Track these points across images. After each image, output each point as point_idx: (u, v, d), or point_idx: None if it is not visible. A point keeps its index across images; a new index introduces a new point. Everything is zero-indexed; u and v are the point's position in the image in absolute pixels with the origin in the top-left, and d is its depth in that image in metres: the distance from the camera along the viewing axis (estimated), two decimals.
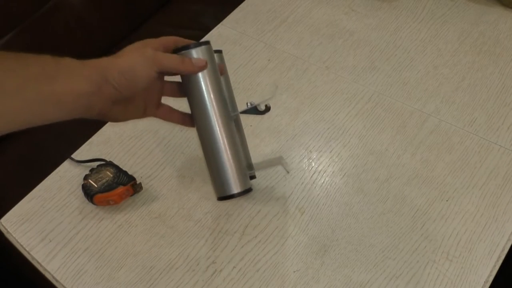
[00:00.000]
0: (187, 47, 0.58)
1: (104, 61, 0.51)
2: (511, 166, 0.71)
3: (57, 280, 0.67)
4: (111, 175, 0.72)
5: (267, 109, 0.64)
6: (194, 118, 0.61)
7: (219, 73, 0.60)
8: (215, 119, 0.59)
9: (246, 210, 0.71)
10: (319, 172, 0.74)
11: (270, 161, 0.72)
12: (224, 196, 0.62)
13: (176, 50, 0.58)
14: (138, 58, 0.53)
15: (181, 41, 0.60)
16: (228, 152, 0.60)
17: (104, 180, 0.71)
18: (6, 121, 0.45)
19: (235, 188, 0.61)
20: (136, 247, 0.68)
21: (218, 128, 0.59)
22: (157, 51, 0.55)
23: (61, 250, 0.69)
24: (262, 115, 0.65)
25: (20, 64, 0.45)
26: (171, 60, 0.56)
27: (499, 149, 0.73)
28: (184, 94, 0.61)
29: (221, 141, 0.60)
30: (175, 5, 1.35)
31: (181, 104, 0.63)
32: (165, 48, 0.57)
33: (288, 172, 0.72)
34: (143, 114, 0.60)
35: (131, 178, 0.72)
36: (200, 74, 0.58)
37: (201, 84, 0.58)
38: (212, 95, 0.59)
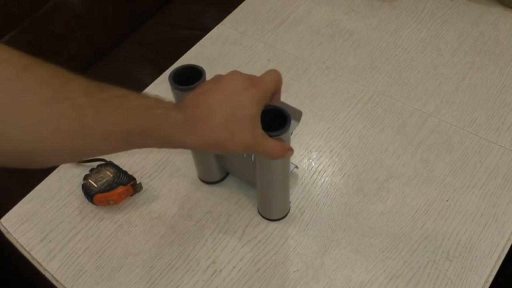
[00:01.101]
0: (281, 127, 0.53)
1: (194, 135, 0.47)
2: (511, 166, 0.71)
3: (57, 280, 0.67)
4: (111, 175, 0.72)
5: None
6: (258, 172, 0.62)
7: None
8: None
9: (246, 210, 0.71)
10: (319, 172, 0.74)
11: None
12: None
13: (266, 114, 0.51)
14: (236, 145, 0.49)
15: (278, 92, 0.55)
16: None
17: (104, 180, 0.71)
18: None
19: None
20: (136, 247, 0.68)
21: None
22: (261, 138, 0.50)
23: (61, 250, 0.69)
24: None
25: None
26: (271, 151, 0.52)
27: (499, 149, 0.73)
28: None
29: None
30: (175, 5, 1.35)
31: None
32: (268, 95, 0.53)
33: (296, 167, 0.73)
34: None
35: (131, 178, 0.72)
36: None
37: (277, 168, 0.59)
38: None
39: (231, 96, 0.50)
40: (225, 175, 0.73)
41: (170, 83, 0.59)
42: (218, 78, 0.52)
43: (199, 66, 0.59)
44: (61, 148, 0.41)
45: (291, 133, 0.56)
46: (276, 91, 0.54)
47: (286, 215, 0.70)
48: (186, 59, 0.91)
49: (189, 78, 0.58)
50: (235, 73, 0.52)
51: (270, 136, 0.52)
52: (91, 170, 0.74)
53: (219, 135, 0.48)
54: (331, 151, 0.76)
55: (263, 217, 0.69)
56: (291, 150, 0.54)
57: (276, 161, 0.57)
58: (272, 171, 0.60)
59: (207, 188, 0.74)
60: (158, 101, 0.46)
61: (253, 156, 0.63)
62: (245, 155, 0.64)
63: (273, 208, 0.68)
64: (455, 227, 0.66)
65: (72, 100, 0.40)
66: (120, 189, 0.71)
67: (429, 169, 0.72)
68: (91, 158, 0.77)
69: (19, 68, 0.39)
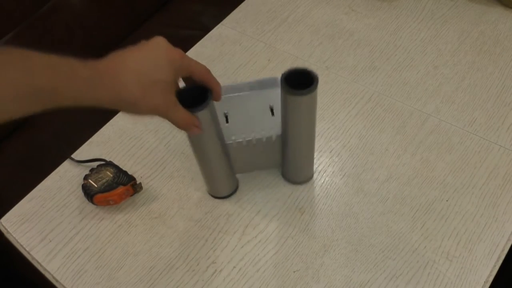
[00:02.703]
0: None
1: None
2: (511, 166, 0.71)
3: (57, 280, 0.67)
4: (111, 175, 0.72)
5: None
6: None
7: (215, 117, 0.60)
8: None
9: (246, 210, 0.71)
10: (319, 172, 0.74)
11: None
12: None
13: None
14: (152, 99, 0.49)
15: (205, 77, 0.55)
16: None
17: (104, 180, 0.71)
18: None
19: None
20: (136, 247, 0.68)
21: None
22: (172, 105, 0.51)
23: (61, 250, 0.69)
24: None
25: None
26: (179, 120, 0.53)
27: (499, 149, 0.73)
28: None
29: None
30: (175, 5, 1.35)
31: None
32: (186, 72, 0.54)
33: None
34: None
35: (131, 178, 0.72)
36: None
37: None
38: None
39: (148, 56, 0.49)
40: (236, 189, 0.73)
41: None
42: (142, 41, 0.51)
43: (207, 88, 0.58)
44: None
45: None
46: (204, 80, 0.54)
47: (311, 179, 0.72)
48: None
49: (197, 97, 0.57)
50: (161, 38, 0.52)
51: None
52: (91, 170, 0.74)
53: (129, 91, 0.47)
54: (331, 151, 0.76)
55: (288, 181, 0.72)
56: (198, 128, 0.55)
57: (302, 115, 0.59)
58: (300, 123, 0.61)
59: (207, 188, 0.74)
60: (63, 59, 0.45)
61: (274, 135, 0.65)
62: (264, 139, 0.65)
63: (301, 167, 0.70)
64: (455, 227, 0.66)
65: None
66: (120, 189, 0.71)
67: (429, 169, 0.72)
68: (91, 159, 0.77)
69: None
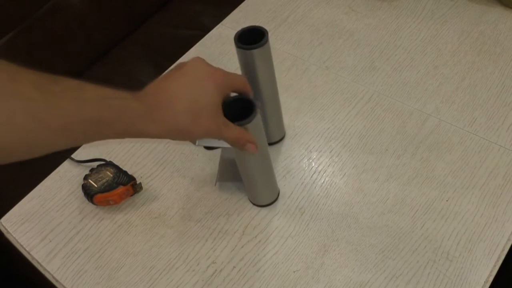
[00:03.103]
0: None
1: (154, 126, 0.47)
2: (511, 166, 0.71)
3: (57, 280, 0.67)
4: (111, 175, 0.72)
5: None
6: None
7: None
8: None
9: (246, 210, 0.71)
10: (319, 172, 0.74)
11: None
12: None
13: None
14: (198, 131, 0.49)
15: (245, 89, 0.56)
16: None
17: (104, 180, 0.71)
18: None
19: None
20: (136, 247, 0.68)
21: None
22: (223, 125, 0.52)
23: (61, 250, 0.69)
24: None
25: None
26: (232, 138, 0.53)
27: (499, 149, 0.73)
28: None
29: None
30: (175, 5, 1.35)
31: None
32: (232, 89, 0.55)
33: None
34: None
35: (131, 178, 0.72)
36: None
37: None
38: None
39: (194, 82, 0.49)
40: (277, 196, 0.72)
41: None
42: (181, 65, 0.52)
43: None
44: (16, 143, 0.40)
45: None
46: (243, 92, 0.55)
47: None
48: (186, 59, 0.91)
49: None
50: (198, 59, 0.52)
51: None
52: (91, 170, 0.74)
53: (182, 121, 0.48)
54: (331, 151, 0.76)
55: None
56: (253, 143, 0.54)
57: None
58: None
59: (207, 188, 0.74)
60: (115, 92, 0.45)
61: None
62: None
63: (271, 126, 0.72)
64: (455, 227, 0.66)
65: (22, 94, 0.39)
66: (120, 189, 0.71)
67: (429, 169, 0.72)
68: (91, 159, 0.77)
69: None
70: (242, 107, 0.55)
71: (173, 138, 0.50)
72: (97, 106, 0.43)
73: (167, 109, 0.47)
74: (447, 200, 0.68)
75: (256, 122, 0.55)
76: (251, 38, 0.61)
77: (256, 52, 0.62)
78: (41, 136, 0.41)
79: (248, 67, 0.64)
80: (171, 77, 0.50)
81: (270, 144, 0.77)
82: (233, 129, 0.53)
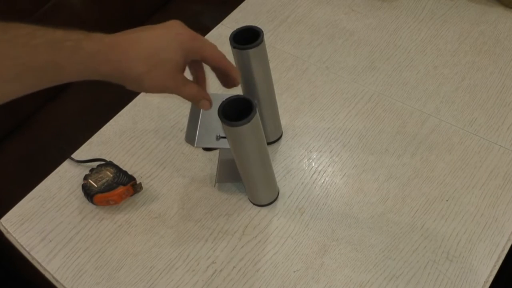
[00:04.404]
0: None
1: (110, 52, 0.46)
2: (511, 166, 0.71)
3: (57, 280, 0.67)
4: (111, 175, 0.72)
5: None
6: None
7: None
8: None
9: (246, 210, 0.71)
10: (319, 172, 0.74)
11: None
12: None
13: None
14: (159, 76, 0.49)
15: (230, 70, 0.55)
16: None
17: (104, 180, 0.71)
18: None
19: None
20: (136, 247, 0.68)
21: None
22: (181, 83, 0.52)
23: (61, 250, 0.69)
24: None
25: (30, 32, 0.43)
26: (187, 94, 0.53)
27: (499, 149, 0.73)
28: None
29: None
30: (175, 5, 1.35)
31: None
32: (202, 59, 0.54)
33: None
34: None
35: (131, 178, 0.72)
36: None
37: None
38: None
39: (160, 36, 0.49)
40: (277, 196, 0.72)
41: None
42: (159, 24, 0.52)
43: None
44: None
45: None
46: (216, 65, 0.54)
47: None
48: None
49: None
50: (176, 21, 0.52)
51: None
52: (91, 170, 0.74)
53: (135, 67, 0.47)
54: (331, 151, 0.76)
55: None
56: (208, 100, 0.54)
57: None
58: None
59: (207, 188, 0.74)
60: (67, 33, 0.45)
61: None
62: None
63: (268, 123, 0.71)
64: (455, 227, 0.66)
65: None
66: (120, 189, 0.71)
67: (429, 169, 0.72)
68: (91, 159, 0.77)
69: None
70: (240, 106, 0.56)
71: (124, 84, 0.50)
72: (49, 51, 0.43)
73: (122, 52, 0.47)
74: (447, 200, 0.68)
75: (255, 121, 0.56)
76: (247, 38, 0.62)
77: (252, 52, 0.62)
78: None
79: (244, 67, 0.64)
80: (141, 28, 0.50)
81: (268, 143, 0.77)
82: (191, 87, 0.53)
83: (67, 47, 0.44)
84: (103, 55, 0.46)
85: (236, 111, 0.55)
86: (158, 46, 0.49)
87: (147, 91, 0.51)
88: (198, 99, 0.54)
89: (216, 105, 0.56)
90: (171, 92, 0.52)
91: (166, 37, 0.50)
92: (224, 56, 0.54)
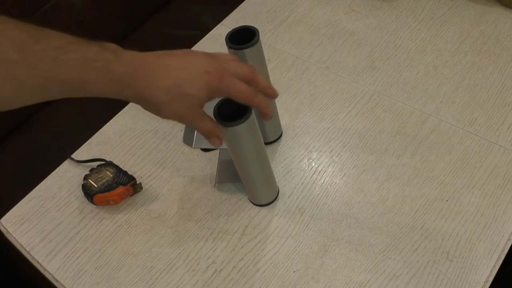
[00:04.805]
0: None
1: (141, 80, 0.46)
2: (511, 166, 0.71)
3: (57, 280, 0.67)
4: (111, 175, 0.72)
5: None
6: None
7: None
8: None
9: (246, 210, 0.71)
10: (319, 172, 0.74)
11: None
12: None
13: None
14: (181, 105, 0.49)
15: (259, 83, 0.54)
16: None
17: (104, 180, 0.71)
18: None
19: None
20: (136, 247, 0.68)
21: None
22: (199, 118, 0.51)
23: (61, 250, 0.69)
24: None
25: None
26: (202, 129, 0.53)
27: (499, 149, 0.73)
28: None
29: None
30: (175, 5, 1.35)
31: None
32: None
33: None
34: None
35: (131, 178, 0.72)
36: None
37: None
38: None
39: (189, 69, 0.49)
40: (277, 195, 0.72)
41: None
42: (189, 50, 0.51)
43: None
44: None
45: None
46: (248, 81, 0.53)
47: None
48: None
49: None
50: (207, 54, 0.51)
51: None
52: (91, 170, 0.74)
53: (157, 97, 0.47)
54: (331, 151, 0.76)
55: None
56: (220, 139, 0.54)
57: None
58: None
59: (207, 188, 0.74)
60: (99, 53, 0.45)
61: None
62: None
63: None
64: (455, 227, 0.66)
65: (1, 55, 0.40)
66: (120, 189, 0.71)
67: (429, 169, 0.72)
68: (91, 159, 0.77)
69: None
70: (237, 106, 0.55)
71: (143, 107, 0.50)
72: (78, 69, 0.43)
73: (148, 78, 0.47)
74: (447, 200, 0.68)
75: (251, 121, 0.55)
76: (243, 38, 0.62)
77: (248, 52, 0.62)
78: (17, 95, 0.42)
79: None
80: (171, 54, 0.50)
81: (267, 143, 0.77)
82: (207, 124, 0.52)
83: (96, 68, 0.44)
84: (129, 79, 0.46)
85: (232, 111, 0.55)
86: (185, 78, 0.48)
87: (163, 117, 0.51)
88: (211, 135, 0.54)
89: (213, 105, 0.56)
90: (186, 124, 0.52)
91: (194, 70, 0.49)
92: (253, 93, 0.52)
